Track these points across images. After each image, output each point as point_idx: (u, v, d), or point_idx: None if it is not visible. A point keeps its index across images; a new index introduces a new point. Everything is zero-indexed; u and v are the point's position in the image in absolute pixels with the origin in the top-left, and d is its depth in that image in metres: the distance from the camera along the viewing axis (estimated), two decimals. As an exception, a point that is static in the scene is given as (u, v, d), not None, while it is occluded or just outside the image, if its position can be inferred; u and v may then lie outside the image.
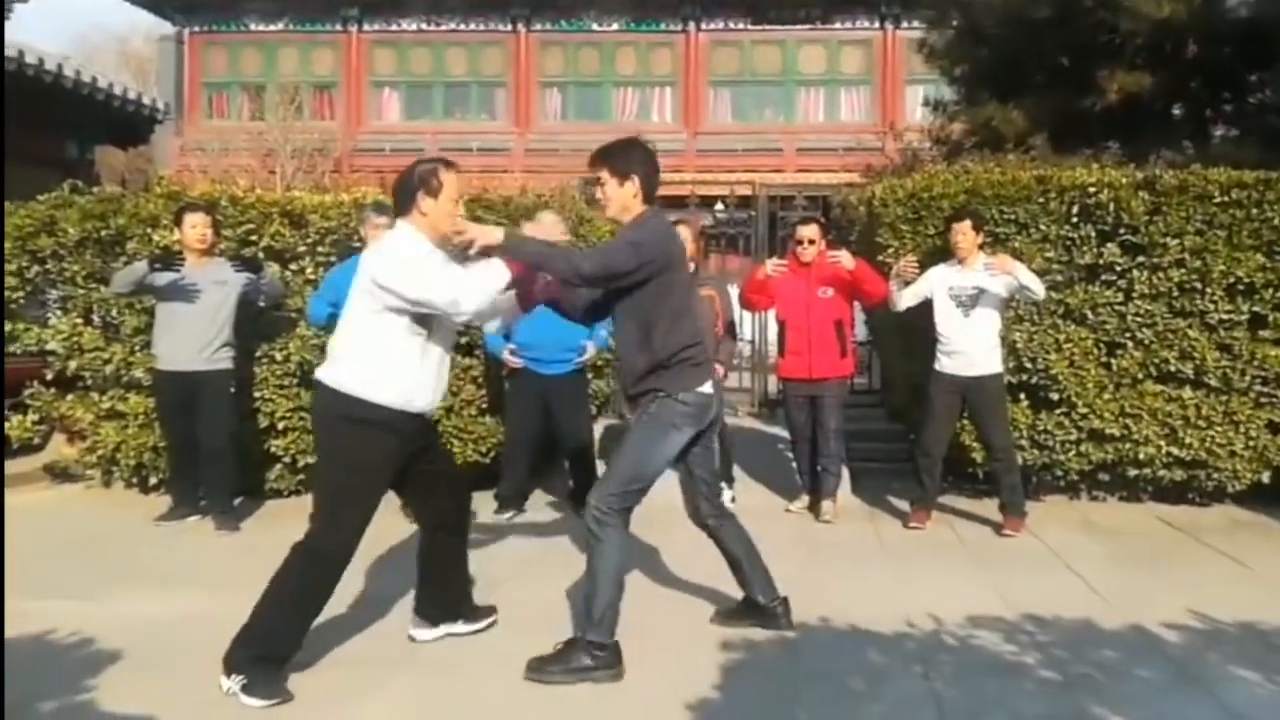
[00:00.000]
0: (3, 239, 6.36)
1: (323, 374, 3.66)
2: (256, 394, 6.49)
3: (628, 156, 3.85)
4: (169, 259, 5.81)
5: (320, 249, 6.60)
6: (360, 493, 3.61)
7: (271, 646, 3.53)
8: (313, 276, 6.52)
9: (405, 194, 3.64)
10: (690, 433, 3.85)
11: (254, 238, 6.58)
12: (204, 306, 5.92)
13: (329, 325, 5.97)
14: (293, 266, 6.61)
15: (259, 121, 18.41)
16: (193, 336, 5.91)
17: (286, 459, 6.55)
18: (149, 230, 6.62)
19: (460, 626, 4.07)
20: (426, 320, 3.59)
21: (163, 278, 5.79)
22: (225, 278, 5.98)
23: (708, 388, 3.87)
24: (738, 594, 4.44)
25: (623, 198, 3.83)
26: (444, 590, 4.04)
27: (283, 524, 6.07)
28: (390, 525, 6.05)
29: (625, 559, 3.82)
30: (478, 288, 3.57)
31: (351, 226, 6.47)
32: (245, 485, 6.41)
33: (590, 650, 3.68)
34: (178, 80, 20.73)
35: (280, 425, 6.52)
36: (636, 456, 3.81)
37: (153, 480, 6.71)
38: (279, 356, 6.53)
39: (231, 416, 6.11)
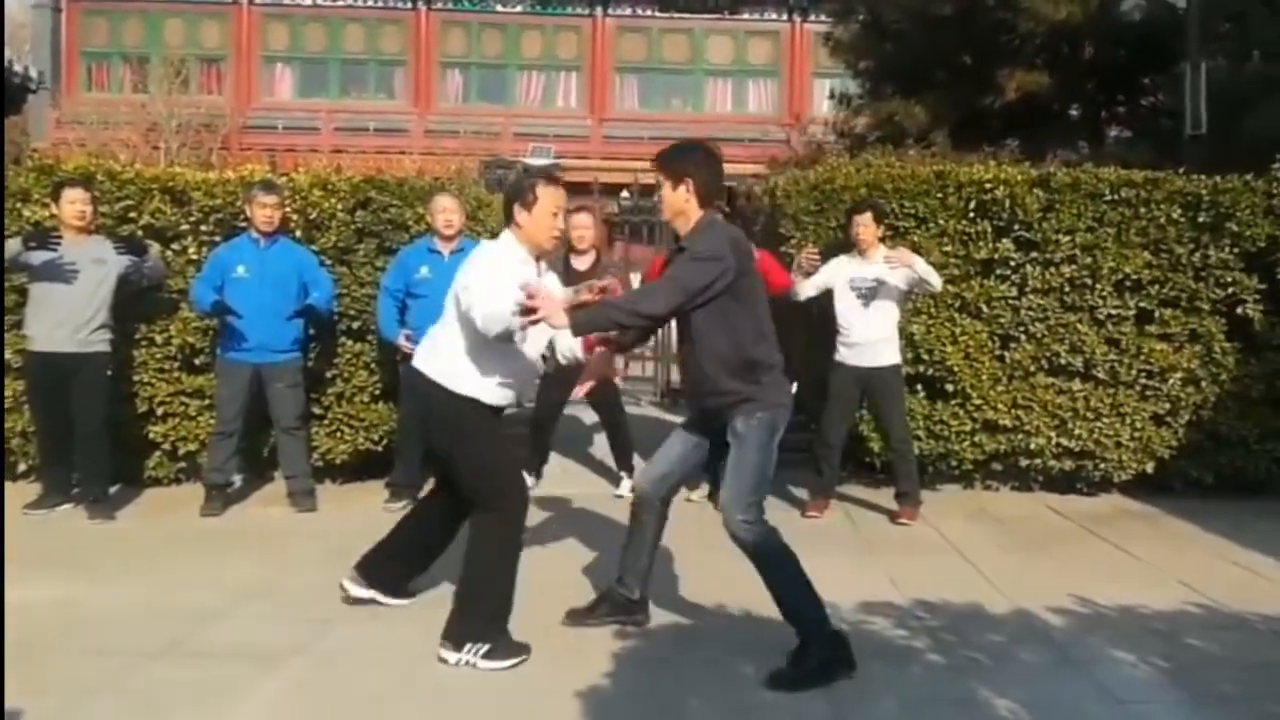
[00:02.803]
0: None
1: (419, 363, 3.90)
2: (135, 378, 6.25)
3: (683, 159, 3.82)
4: (45, 236, 5.55)
5: (204, 228, 6.35)
6: (492, 450, 3.86)
7: (494, 612, 3.74)
8: (195, 256, 6.28)
9: (506, 205, 3.92)
10: (783, 428, 3.80)
11: (133, 215, 6.30)
12: (81, 286, 5.67)
13: (214, 310, 5.76)
14: (174, 246, 6.34)
15: (142, 94, 17.63)
16: (68, 317, 5.66)
17: (166, 446, 6.31)
18: (19, 205, 6.30)
19: (384, 597, 4.25)
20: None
21: (38, 256, 5.55)
22: (104, 256, 5.73)
23: (793, 387, 3.91)
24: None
25: (676, 201, 3.80)
26: (393, 561, 4.26)
27: (161, 513, 5.88)
28: (256, 515, 5.87)
29: (789, 549, 3.71)
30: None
31: (238, 205, 6.23)
32: (122, 473, 6.15)
33: (819, 649, 3.58)
34: (54, 49, 19.71)
35: (160, 411, 6.28)
36: (758, 465, 3.69)
37: (22, 467, 6.40)
38: (159, 339, 6.29)
39: (108, 401, 5.86)
